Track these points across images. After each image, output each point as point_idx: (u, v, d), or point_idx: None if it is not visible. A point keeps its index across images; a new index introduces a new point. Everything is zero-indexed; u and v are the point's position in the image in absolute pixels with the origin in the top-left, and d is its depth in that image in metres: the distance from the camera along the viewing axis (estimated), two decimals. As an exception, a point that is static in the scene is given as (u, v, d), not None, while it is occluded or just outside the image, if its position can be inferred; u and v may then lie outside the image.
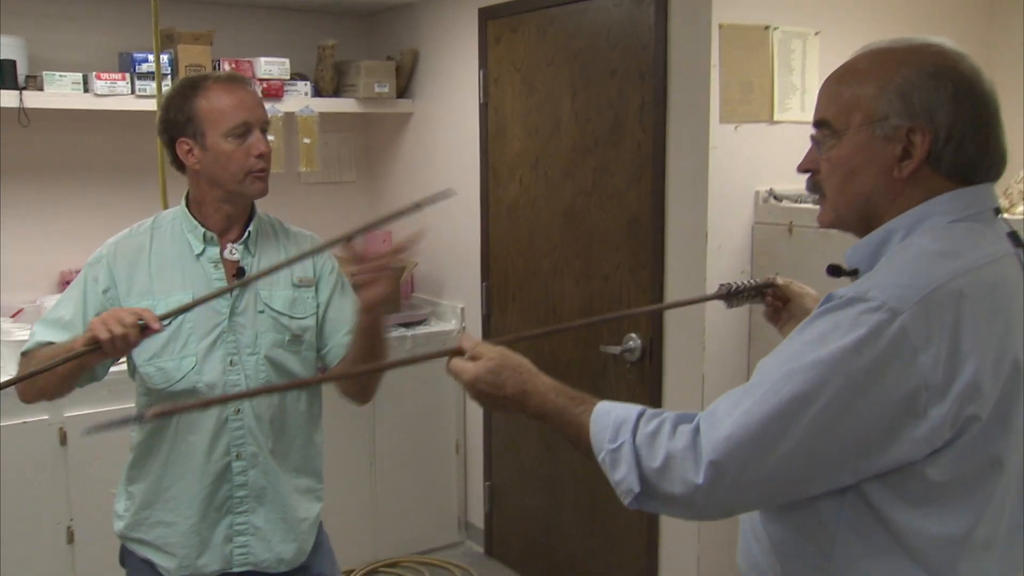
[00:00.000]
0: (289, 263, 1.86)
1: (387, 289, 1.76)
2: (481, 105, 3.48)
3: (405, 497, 3.69)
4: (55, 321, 1.83)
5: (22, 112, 3.08)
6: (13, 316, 3.24)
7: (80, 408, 2.95)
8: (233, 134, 1.81)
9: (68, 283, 3.44)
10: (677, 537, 2.86)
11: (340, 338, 1.96)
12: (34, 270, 3.44)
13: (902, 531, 1.13)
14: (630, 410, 1.21)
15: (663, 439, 1.15)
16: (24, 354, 1.84)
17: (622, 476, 1.17)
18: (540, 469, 3.41)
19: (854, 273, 1.25)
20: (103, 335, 1.56)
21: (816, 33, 2.71)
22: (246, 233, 1.90)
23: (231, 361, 1.85)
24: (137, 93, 3.23)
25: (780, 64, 2.66)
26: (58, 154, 3.47)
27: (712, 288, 2.62)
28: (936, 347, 1.06)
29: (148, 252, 1.86)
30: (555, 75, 3.14)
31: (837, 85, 1.23)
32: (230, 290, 1.83)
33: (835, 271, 1.29)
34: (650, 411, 1.21)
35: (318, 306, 1.96)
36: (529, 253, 3.35)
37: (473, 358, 1.33)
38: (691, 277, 2.69)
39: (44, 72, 3.14)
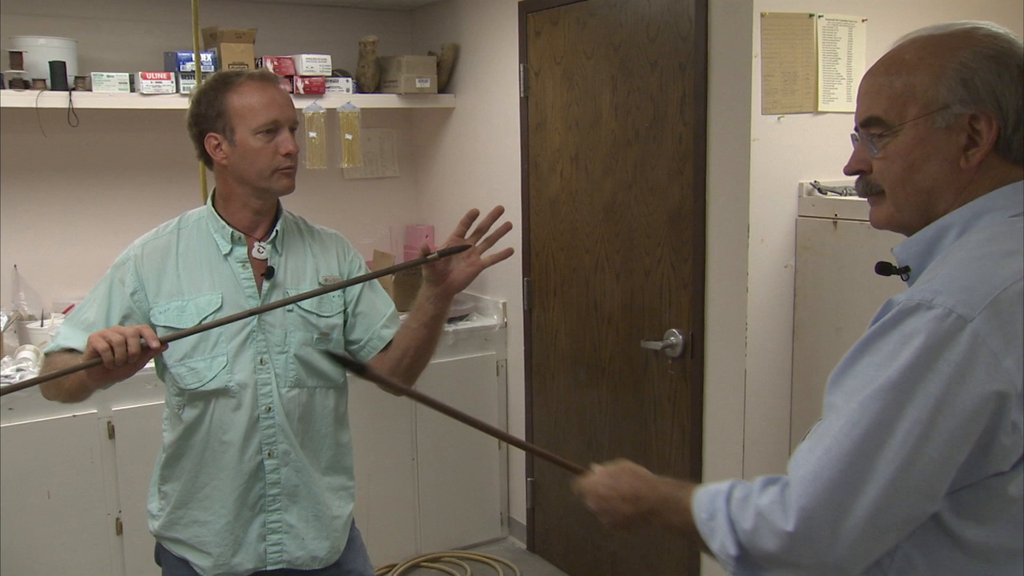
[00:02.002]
0: (357, 281, 1.91)
1: (475, 272, 1.87)
2: (522, 99, 3.46)
3: (447, 492, 3.70)
4: (79, 322, 1.84)
5: (71, 112, 3.15)
6: (64, 312, 3.31)
7: (128, 403, 3.01)
8: (262, 131, 1.82)
9: (117, 279, 3.51)
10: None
11: (378, 331, 1.97)
12: (84, 267, 3.51)
13: (971, 547, 1.07)
14: (724, 483, 1.18)
15: (753, 499, 1.11)
16: (47, 355, 1.86)
17: (720, 544, 1.13)
18: (581, 465, 3.39)
19: (905, 271, 1.19)
20: (99, 345, 1.56)
21: (863, 20, 2.64)
22: (274, 232, 1.91)
23: (261, 360, 1.86)
24: (182, 92, 3.28)
25: (825, 53, 2.60)
26: (105, 153, 3.53)
27: (753, 276, 2.58)
28: (1017, 351, 1.00)
29: (175, 253, 1.88)
30: (595, 68, 3.11)
31: (884, 77, 1.16)
32: (273, 307, 1.82)
33: (885, 269, 1.23)
34: (744, 482, 1.17)
35: (345, 303, 1.97)
36: (571, 248, 3.32)
37: (595, 477, 1.38)
38: (733, 271, 2.64)
39: (92, 72, 3.20)
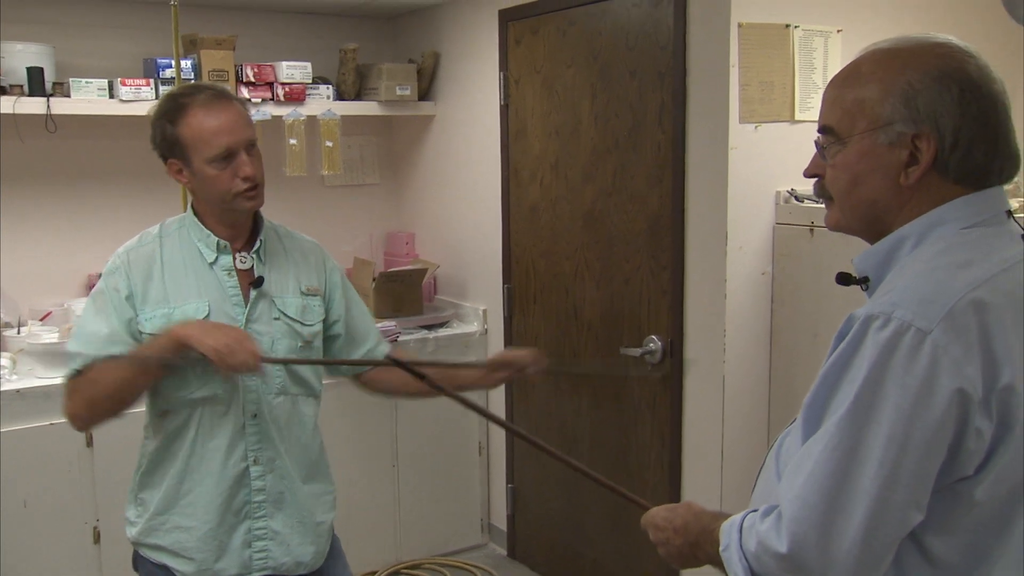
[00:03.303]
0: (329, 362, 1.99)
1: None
2: (502, 107, 3.48)
3: (428, 499, 3.70)
4: (94, 337, 1.80)
5: (49, 119, 3.13)
6: (42, 319, 3.29)
7: (106, 410, 2.99)
8: (216, 159, 1.80)
9: (95, 286, 3.49)
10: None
11: (375, 347, 2.08)
12: (62, 274, 3.49)
13: (938, 560, 1.10)
14: (739, 516, 1.22)
15: (756, 525, 1.16)
16: (77, 374, 1.79)
17: (734, 572, 1.18)
18: (563, 472, 3.40)
19: (864, 281, 1.23)
20: (216, 342, 1.65)
21: (838, 31, 2.68)
22: (258, 242, 1.92)
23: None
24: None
25: (801, 63, 2.64)
26: (84, 160, 3.51)
27: (731, 283, 2.61)
28: (975, 359, 1.04)
29: (160, 260, 1.87)
30: (575, 76, 3.13)
31: (840, 89, 1.20)
32: (300, 362, 1.89)
33: (844, 279, 1.27)
34: (759, 509, 1.20)
35: (327, 314, 2.00)
36: (551, 255, 3.34)
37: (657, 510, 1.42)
38: (711, 278, 2.67)
39: (71, 79, 3.18)
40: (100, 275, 3.49)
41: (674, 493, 2.90)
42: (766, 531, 1.13)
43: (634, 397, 3.02)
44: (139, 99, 3.24)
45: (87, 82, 3.19)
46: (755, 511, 1.20)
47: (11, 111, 3.04)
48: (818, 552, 1.07)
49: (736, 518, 1.22)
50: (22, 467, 2.89)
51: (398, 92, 3.77)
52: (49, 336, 3.03)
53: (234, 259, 1.89)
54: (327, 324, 2.01)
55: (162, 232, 1.92)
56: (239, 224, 1.90)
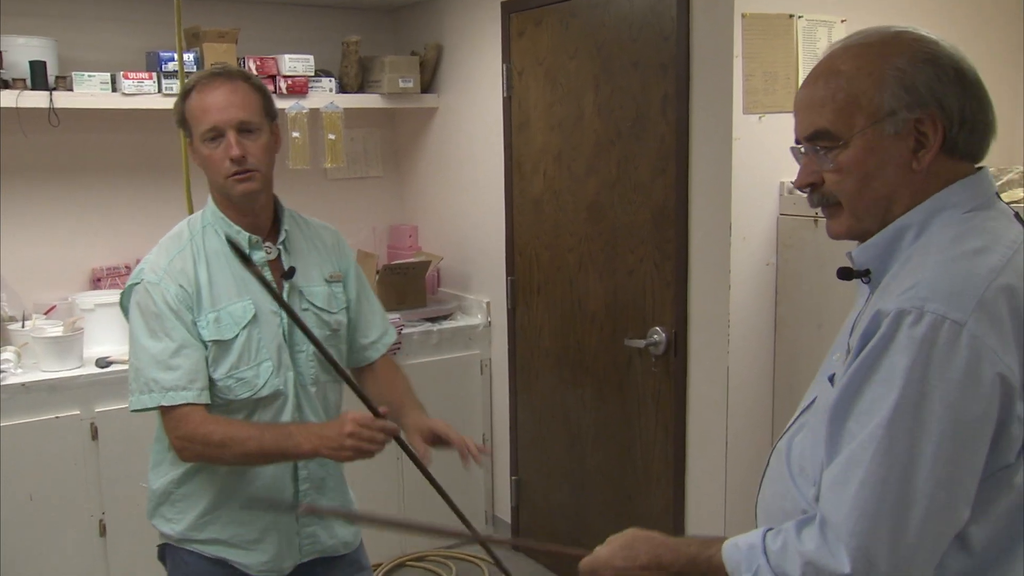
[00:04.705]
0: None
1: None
2: (505, 99, 3.47)
3: (432, 491, 3.68)
4: (162, 356, 1.77)
5: (52, 112, 3.13)
6: (46, 313, 3.29)
7: (111, 404, 3.00)
8: (207, 137, 1.79)
9: (99, 280, 3.50)
10: (703, 531, 2.84)
11: (381, 338, 2.07)
12: (66, 268, 3.49)
13: (975, 547, 1.08)
14: (755, 535, 1.17)
15: (793, 548, 1.10)
16: (182, 415, 1.78)
17: None
18: (567, 464, 3.41)
19: (866, 274, 1.21)
20: (364, 450, 1.72)
21: (842, 21, 2.67)
22: (283, 233, 1.90)
23: (291, 360, 1.88)
24: (164, 92, 3.27)
25: (805, 53, 2.63)
26: (87, 153, 3.52)
27: (735, 274, 2.60)
28: (1011, 346, 1.03)
29: (199, 262, 1.84)
30: (578, 68, 3.12)
31: (825, 89, 1.17)
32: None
33: (846, 274, 1.24)
34: (774, 529, 1.16)
35: (348, 301, 2.01)
36: (554, 247, 3.34)
37: (606, 551, 1.33)
38: (715, 269, 2.66)
39: (73, 72, 3.18)
40: (104, 268, 3.52)
41: (678, 485, 2.90)
42: (815, 551, 1.07)
43: (638, 388, 3.02)
44: (141, 92, 3.24)
45: (90, 76, 3.19)
46: (773, 529, 1.15)
47: (14, 105, 3.04)
48: (888, 566, 1.03)
49: (752, 539, 1.16)
50: (27, 460, 2.90)
51: (401, 84, 3.76)
52: (53, 330, 3.04)
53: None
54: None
55: (191, 232, 1.88)
56: (257, 213, 1.87)
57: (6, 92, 3.05)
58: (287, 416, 1.88)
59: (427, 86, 3.90)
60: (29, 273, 3.40)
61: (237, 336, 1.81)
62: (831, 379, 1.19)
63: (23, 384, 2.90)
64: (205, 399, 1.80)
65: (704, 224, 2.70)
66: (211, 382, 1.83)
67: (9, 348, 3.04)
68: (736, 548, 1.17)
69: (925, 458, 1.02)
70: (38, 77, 3.12)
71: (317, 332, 1.87)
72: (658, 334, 2.89)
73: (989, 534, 1.08)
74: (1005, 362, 1.02)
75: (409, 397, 2.02)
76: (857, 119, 1.14)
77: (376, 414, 1.75)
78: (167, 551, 1.97)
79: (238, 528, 1.89)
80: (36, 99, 3.10)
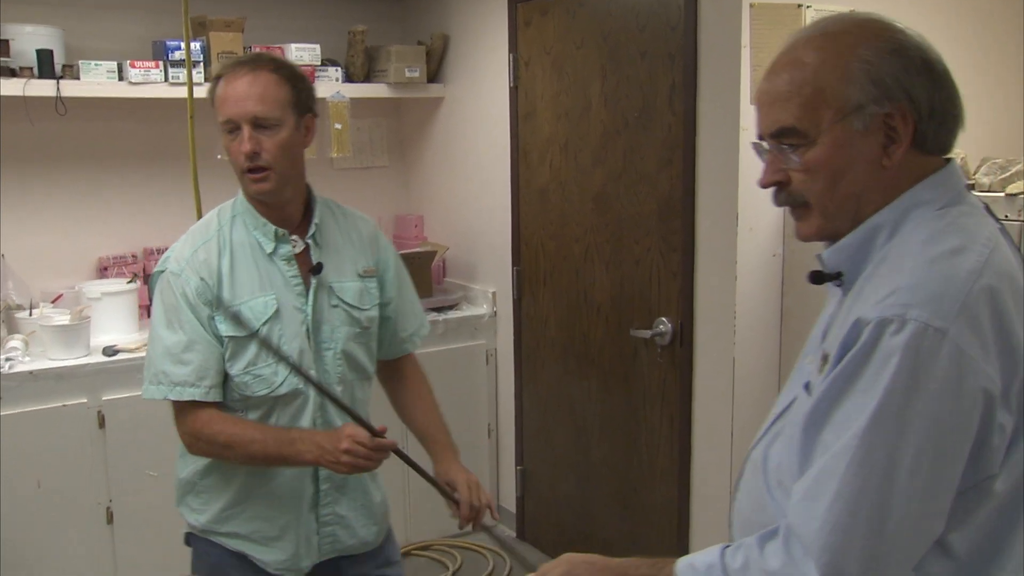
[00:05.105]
0: None
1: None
2: (511, 89, 3.47)
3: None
4: (175, 349, 1.76)
5: (59, 101, 3.13)
6: (53, 302, 3.30)
7: (118, 392, 3.01)
8: (225, 129, 1.74)
9: (106, 269, 3.50)
10: (708, 523, 2.84)
11: (421, 331, 2.04)
12: (72, 256, 3.50)
13: (957, 554, 1.05)
14: (712, 553, 1.12)
15: (756, 565, 1.06)
16: (193, 411, 1.78)
17: None
18: (572, 454, 3.41)
19: (838, 276, 1.15)
20: (354, 467, 1.69)
21: (851, 11, 2.65)
22: (312, 226, 1.84)
23: (314, 358, 1.83)
24: (170, 81, 3.27)
25: (813, 43, 2.61)
26: (94, 142, 3.52)
27: (741, 265, 2.60)
28: (992, 353, 0.99)
29: (224, 254, 1.80)
30: (585, 58, 3.12)
31: (789, 84, 1.10)
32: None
33: (818, 278, 1.18)
34: (733, 545, 1.11)
35: (387, 296, 1.96)
36: (560, 237, 3.34)
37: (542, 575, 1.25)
38: (722, 260, 2.66)
39: (80, 61, 3.18)
40: (111, 257, 3.52)
41: (683, 476, 2.90)
42: (781, 568, 1.03)
43: (644, 379, 3.02)
44: (148, 81, 3.24)
45: (96, 64, 3.19)
46: (731, 546, 1.10)
47: (21, 93, 3.04)
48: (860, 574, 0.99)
49: (710, 558, 1.11)
50: (35, 448, 2.91)
51: (407, 74, 3.75)
52: (60, 319, 3.05)
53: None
54: (380, 305, 1.95)
55: (219, 223, 1.83)
56: (283, 206, 1.81)
57: (13, 81, 3.05)
58: (308, 415, 1.83)
59: (433, 76, 3.89)
60: (36, 262, 3.41)
61: (257, 332, 1.76)
62: (806, 387, 1.15)
63: (31, 372, 2.91)
64: (214, 397, 1.78)
65: (711, 215, 2.69)
66: (228, 378, 1.80)
67: (16, 336, 3.05)
68: (692, 569, 1.12)
69: (902, 471, 0.98)
70: (45, 66, 3.12)
71: (346, 330, 1.85)
72: (664, 325, 2.89)
73: (971, 541, 1.05)
74: (987, 372, 0.99)
75: (439, 430, 2.00)
76: (824, 115, 1.08)
77: (373, 432, 1.71)
78: (192, 540, 1.97)
79: (259, 524, 1.87)
80: (43, 88, 3.10)
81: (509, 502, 3.82)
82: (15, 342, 3.00)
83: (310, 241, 1.84)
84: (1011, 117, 2.78)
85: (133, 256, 3.57)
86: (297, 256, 1.82)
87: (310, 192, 1.88)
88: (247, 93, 1.71)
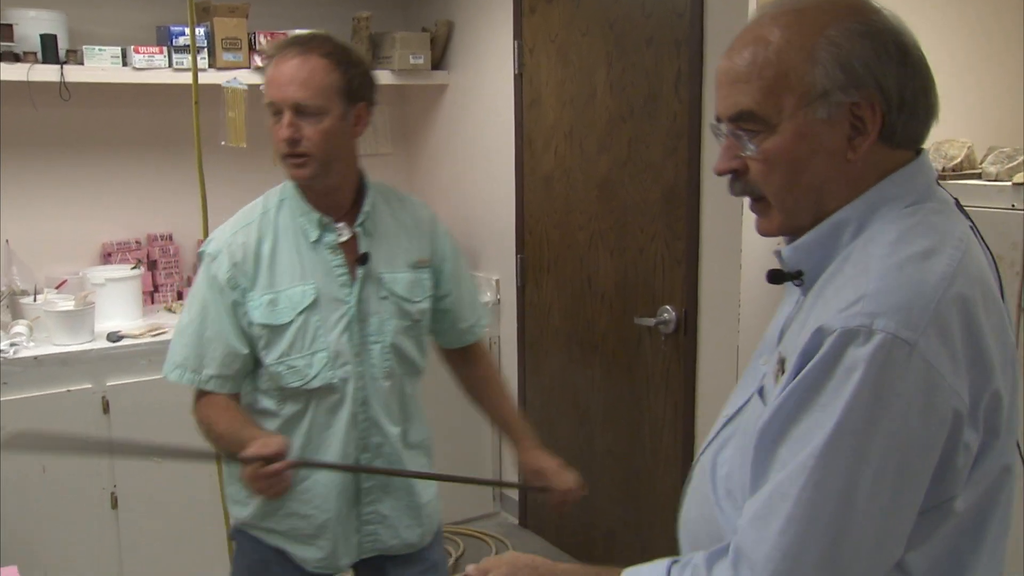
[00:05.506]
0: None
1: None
2: (516, 76, 3.46)
3: (440, 468, 3.70)
4: (192, 334, 1.75)
5: (63, 86, 3.12)
6: (57, 287, 3.31)
7: (122, 378, 3.01)
8: (270, 112, 1.70)
9: (109, 255, 3.51)
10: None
11: (481, 321, 2.01)
12: (77, 242, 3.50)
13: (912, 570, 0.98)
14: (658, 568, 1.06)
15: None
16: (201, 395, 1.79)
17: None
18: (575, 443, 3.41)
19: (798, 276, 1.08)
20: (257, 485, 1.61)
21: (858, -2, 2.64)
22: (361, 215, 1.78)
23: (358, 352, 1.78)
24: (174, 67, 3.26)
25: (820, 31, 2.60)
26: (98, 127, 3.51)
27: (746, 254, 2.59)
28: (962, 368, 0.92)
29: (265, 240, 1.75)
30: (590, 45, 3.10)
31: (751, 64, 1.01)
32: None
33: (777, 277, 1.10)
34: (681, 561, 1.05)
35: (437, 287, 1.90)
36: (564, 225, 3.33)
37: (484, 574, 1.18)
38: (726, 248, 2.65)
39: (84, 46, 3.17)
40: (115, 243, 3.52)
41: (687, 465, 2.90)
42: None
43: (648, 367, 3.02)
44: (152, 67, 3.23)
45: (100, 50, 3.18)
46: (679, 562, 1.04)
47: (25, 78, 3.04)
48: None
49: (656, 572, 1.05)
50: (40, 433, 2.92)
51: (411, 61, 3.74)
52: (65, 304, 3.05)
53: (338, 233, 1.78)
54: (436, 298, 1.90)
55: (265, 207, 1.79)
56: (329, 193, 1.76)
57: (17, 66, 3.04)
58: (346, 412, 1.78)
59: (438, 63, 3.88)
60: (40, 247, 3.41)
61: (292, 321, 1.72)
62: (760, 392, 1.08)
63: (35, 357, 2.92)
64: (213, 387, 1.76)
65: (715, 202, 2.69)
66: (262, 367, 1.77)
67: (21, 322, 3.06)
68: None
69: (860, 494, 0.90)
70: (49, 51, 3.11)
71: (396, 322, 1.80)
72: (668, 313, 2.89)
73: (931, 560, 0.98)
74: (956, 389, 0.91)
75: (513, 417, 2.01)
76: (786, 100, 0.99)
77: (277, 458, 1.61)
78: (236, 533, 1.94)
79: (295, 522, 1.83)
80: (47, 73, 3.09)
81: (512, 490, 3.82)
82: (19, 327, 3.01)
83: (359, 229, 1.78)
84: (1017, 105, 2.76)
85: (137, 242, 3.57)
86: (344, 244, 1.77)
87: (363, 178, 1.82)
88: (292, 77, 1.66)
